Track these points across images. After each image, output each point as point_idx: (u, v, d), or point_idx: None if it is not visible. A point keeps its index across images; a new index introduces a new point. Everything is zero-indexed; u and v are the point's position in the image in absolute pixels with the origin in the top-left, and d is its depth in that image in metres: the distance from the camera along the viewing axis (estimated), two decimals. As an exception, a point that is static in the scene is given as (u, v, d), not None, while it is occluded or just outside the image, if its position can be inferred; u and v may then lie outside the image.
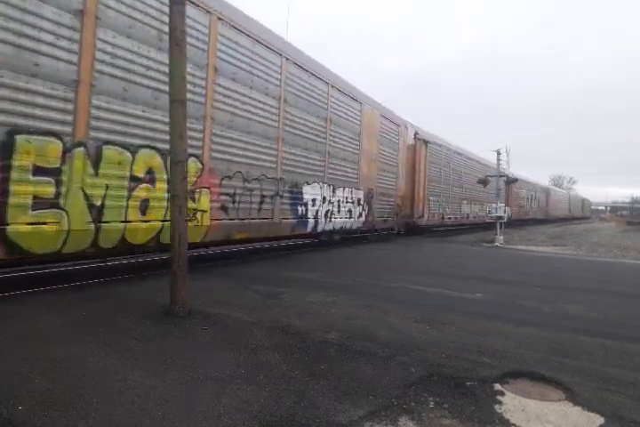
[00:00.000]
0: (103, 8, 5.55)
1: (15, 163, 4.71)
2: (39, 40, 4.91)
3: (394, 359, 3.44)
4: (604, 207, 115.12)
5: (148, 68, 6.18)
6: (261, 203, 8.67)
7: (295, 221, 9.82)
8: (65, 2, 5.13)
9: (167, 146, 5.26)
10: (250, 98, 8.24)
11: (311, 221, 10.42)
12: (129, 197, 5.97)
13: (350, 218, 12.35)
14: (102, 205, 5.64)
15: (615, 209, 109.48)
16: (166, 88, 5.06)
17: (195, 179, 6.98)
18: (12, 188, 4.71)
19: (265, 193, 8.76)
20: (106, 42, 5.62)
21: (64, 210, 5.22)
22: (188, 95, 5.15)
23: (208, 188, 7.31)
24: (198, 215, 7.06)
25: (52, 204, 5.10)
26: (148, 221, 6.27)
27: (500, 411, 2.66)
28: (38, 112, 4.92)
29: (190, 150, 6.30)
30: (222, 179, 7.64)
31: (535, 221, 37.81)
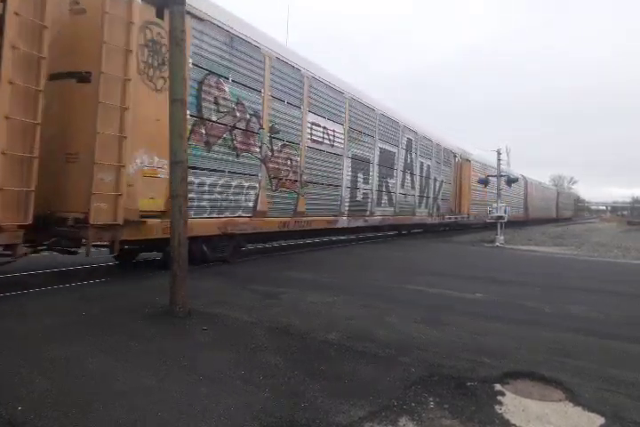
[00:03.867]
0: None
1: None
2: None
3: (394, 360, 3.43)
4: (604, 207, 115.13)
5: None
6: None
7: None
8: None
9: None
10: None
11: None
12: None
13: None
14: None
15: (616, 209, 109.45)
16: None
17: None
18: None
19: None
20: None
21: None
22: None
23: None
24: None
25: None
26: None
27: (500, 411, 2.65)
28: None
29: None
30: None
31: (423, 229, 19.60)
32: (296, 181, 9.73)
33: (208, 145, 7.30)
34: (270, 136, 8.85)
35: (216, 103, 7.44)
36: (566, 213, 57.43)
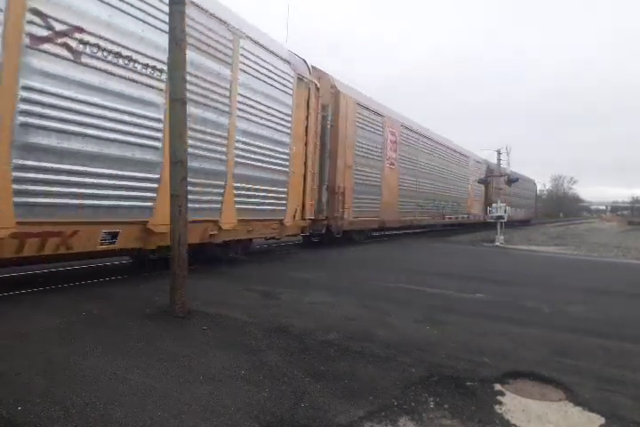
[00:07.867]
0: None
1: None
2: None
3: (394, 360, 3.43)
4: (604, 207, 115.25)
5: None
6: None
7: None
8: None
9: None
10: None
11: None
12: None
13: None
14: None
15: (616, 209, 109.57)
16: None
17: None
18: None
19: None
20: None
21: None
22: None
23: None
24: None
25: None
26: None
27: (500, 411, 2.65)
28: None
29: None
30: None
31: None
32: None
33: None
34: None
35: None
36: (517, 214, 31.84)
